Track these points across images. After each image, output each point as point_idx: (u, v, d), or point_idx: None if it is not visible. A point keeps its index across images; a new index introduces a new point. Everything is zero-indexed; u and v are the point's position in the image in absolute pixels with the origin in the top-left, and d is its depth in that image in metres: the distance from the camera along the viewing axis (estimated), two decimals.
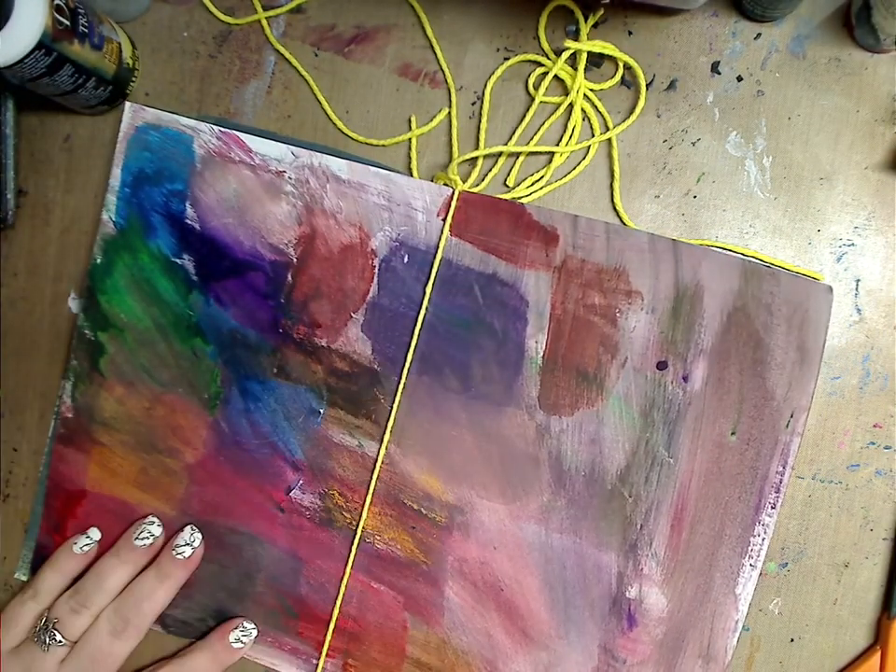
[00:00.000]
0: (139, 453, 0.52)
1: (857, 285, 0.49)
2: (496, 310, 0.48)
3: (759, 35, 0.49)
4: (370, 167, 0.48)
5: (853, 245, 0.49)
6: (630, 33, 0.49)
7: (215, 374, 0.51)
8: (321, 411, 0.50)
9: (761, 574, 0.50)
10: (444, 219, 0.48)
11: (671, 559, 0.47)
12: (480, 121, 0.50)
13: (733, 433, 0.46)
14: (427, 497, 0.49)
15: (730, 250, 0.48)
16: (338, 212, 0.49)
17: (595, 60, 0.49)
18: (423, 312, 0.48)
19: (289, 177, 0.49)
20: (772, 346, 0.46)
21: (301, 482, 0.50)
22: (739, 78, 0.49)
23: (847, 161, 0.49)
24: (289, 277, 0.50)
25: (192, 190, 0.50)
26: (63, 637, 0.48)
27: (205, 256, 0.50)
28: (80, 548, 0.50)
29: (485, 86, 0.50)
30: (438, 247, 0.48)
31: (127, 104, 0.50)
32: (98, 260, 0.51)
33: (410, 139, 0.51)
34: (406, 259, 0.48)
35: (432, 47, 0.51)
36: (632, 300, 0.47)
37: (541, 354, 0.48)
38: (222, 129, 0.49)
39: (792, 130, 0.49)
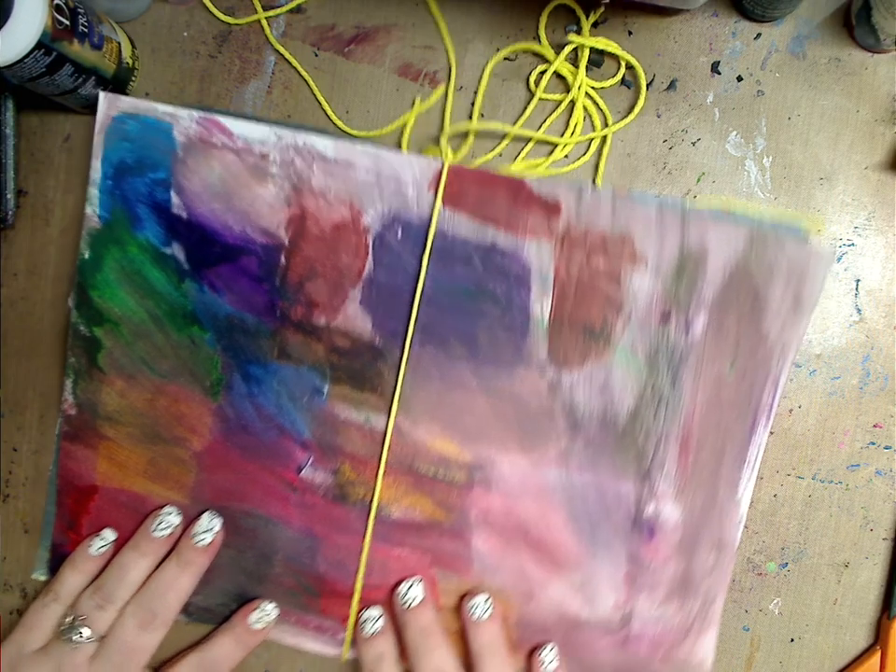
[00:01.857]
0: (146, 444, 0.50)
1: (857, 285, 0.47)
2: (497, 278, 0.47)
3: (759, 35, 0.47)
4: (356, 144, 0.47)
5: (853, 245, 0.47)
6: (630, 33, 0.48)
7: (215, 361, 0.49)
8: (325, 389, 0.48)
9: (760, 574, 0.49)
10: (436, 192, 0.46)
11: (681, 478, 0.47)
12: (474, 105, 0.48)
13: (730, 369, 0.46)
14: (444, 461, 0.48)
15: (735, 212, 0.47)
16: (327, 191, 0.47)
17: (596, 60, 0.48)
18: (420, 284, 0.47)
19: (274, 159, 0.47)
20: (769, 298, 0.46)
21: (311, 460, 0.49)
22: (739, 78, 0.47)
23: (846, 160, 0.47)
24: (282, 259, 0.48)
25: (176, 178, 0.48)
26: (91, 633, 0.47)
27: (195, 243, 0.48)
28: (97, 550, 0.49)
29: (483, 70, 0.48)
30: (431, 220, 0.46)
31: (101, 93, 0.48)
32: (86, 256, 0.49)
33: (405, 123, 0.49)
34: (400, 234, 0.47)
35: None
36: (636, 263, 0.46)
37: (547, 316, 0.47)
38: (202, 114, 0.47)
39: (792, 130, 0.47)
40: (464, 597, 0.48)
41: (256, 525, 0.50)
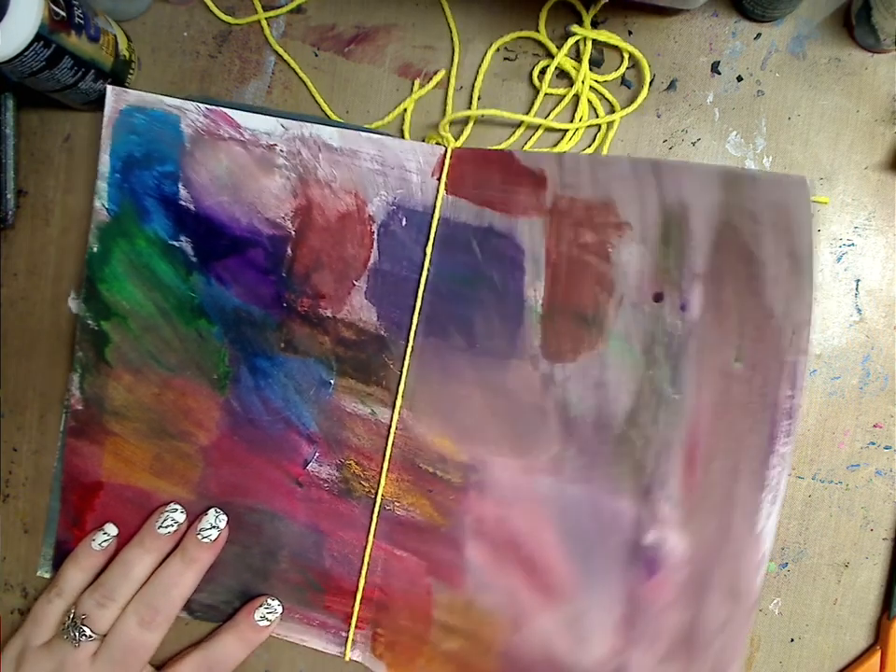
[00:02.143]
0: (152, 439, 0.50)
1: (857, 285, 0.47)
2: (494, 263, 0.46)
3: (759, 35, 0.47)
4: (360, 133, 0.46)
5: (853, 245, 0.47)
6: (630, 33, 0.47)
7: (222, 354, 0.48)
8: (332, 381, 0.48)
9: None
10: (439, 178, 0.46)
11: (687, 500, 0.44)
12: (472, 93, 0.48)
13: (737, 360, 0.43)
14: (442, 459, 0.47)
15: None
16: (332, 181, 0.47)
17: (596, 59, 0.47)
18: (425, 273, 0.46)
19: (281, 150, 0.47)
20: (763, 258, 0.43)
21: (317, 454, 0.48)
22: (739, 78, 0.47)
23: (846, 160, 0.47)
24: (289, 250, 0.47)
25: (184, 171, 0.48)
26: (92, 632, 0.46)
27: (203, 236, 0.48)
28: (99, 544, 0.49)
29: (483, 58, 0.48)
30: (435, 207, 0.46)
31: (108, 87, 0.48)
32: (94, 249, 0.49)
33: (406, 108, 0.49)
34: (404, 223, 0.46)
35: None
36: (622, 232, 0.44)
37: (540, 302, 0.45)
38: (209, 106, 0.47)
39: (792, 130, 0.47)
40: None
41: (261, 521, 0.49)
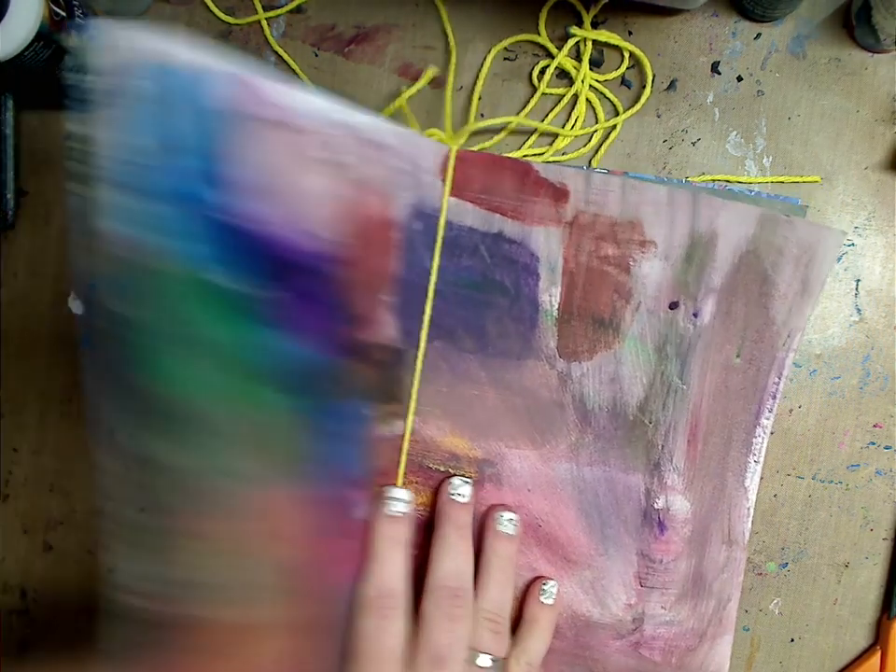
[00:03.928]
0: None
1: (857, 285, 0.47)
2: (505, 268, 0.45)
3: (759, 35, 0.46)
4: (387, 123, 0.38)
5: (853, 245, 0.47)
6: (630, 33, 0.47)
7: (292, 427, 0.38)
8: (369, 413, 0.42)
9: (760, 574, 0.48)
10: (442, 179, 0.44)
11: (690, 469, 0.46)
12: (472, 100, 0.48)
13: (737, 356, 0.45)
14: (454, 457, 0.46)
15: (728, 181, 0.47)
16: (367, 180, 0.39)
17: (596, 59, 0.47)
18: (434, 278, 0.44)
19: (327, 141, 0.36)
20: (778, 282, 0.44)
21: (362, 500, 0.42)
22: (739, 78, 0.47)
23: (846, 160, 0.46)
24: (336, 269, 0.38)
25: (216, 164, 0.34)
26: None
27: (243, 259, 0.35)
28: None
29: (483, 61, 0.48)
30: (441, 210, 0.44)
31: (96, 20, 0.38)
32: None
33: (399, 106, 0.47)
34: (415, 226, 0.43)
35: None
36: (646, 249, 0.44)
37: (556, 306, 0.45)
38: (245, 74, 0.34)
39: (792, 130, 0.47)
40: (489, 510, 0.46)
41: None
